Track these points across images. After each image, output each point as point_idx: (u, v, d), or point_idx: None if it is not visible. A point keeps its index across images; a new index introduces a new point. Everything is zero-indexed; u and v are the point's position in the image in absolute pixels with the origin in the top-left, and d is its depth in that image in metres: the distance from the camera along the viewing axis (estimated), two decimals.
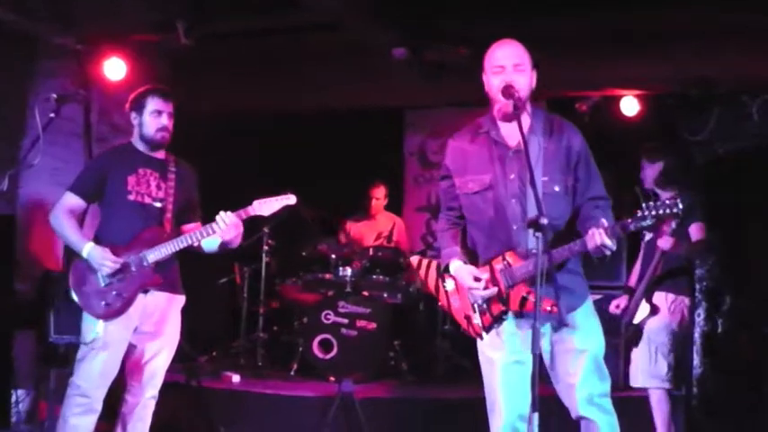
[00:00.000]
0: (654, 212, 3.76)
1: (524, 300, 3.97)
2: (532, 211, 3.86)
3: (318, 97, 9.03)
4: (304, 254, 8.31)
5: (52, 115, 4.84)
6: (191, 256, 5.12)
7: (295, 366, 7.67)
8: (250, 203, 4.88)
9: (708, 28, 6.43)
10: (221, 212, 4.80)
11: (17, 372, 6.21)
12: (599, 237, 3.78)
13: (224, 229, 4.80)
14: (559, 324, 3.87)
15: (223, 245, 4.98)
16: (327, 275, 8.09)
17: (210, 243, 4.97)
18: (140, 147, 5.06)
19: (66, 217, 4.93)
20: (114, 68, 7.19)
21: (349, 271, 7.95)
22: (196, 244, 4.91)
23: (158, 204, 4.98)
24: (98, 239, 4.92)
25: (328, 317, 7.66)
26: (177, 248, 4.87)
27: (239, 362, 8.08)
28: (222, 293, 8.97)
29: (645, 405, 6.09)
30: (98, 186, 4.97)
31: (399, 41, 6.93)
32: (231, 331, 8.70)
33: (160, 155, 5.10)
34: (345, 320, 7.64)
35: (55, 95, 4.86)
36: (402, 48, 6.93)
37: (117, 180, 4.94)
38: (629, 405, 6.35)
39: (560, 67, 6.59)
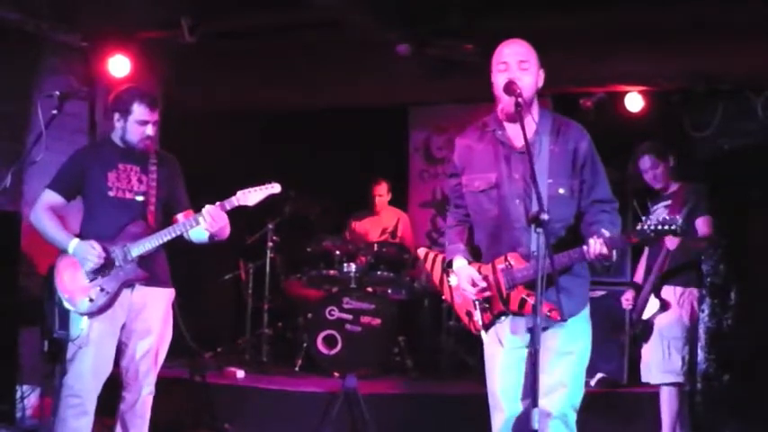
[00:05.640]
0: (654, 228, 3.78)
1: (523, 301, 3.97)
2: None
3: (322, 94, 9.05)
4: (309, 250, 8.30)
5: (54, 112, 4.81)
6: (195, 252, 5.11)
7: (299, 362, 7.68)
8: (233, 194, 4.81)
9: (712, 24, 6.42)
10: (207, 206, 4.73)
11: (22, 368, 6.21)
12: (598, 246, 3.79)
13: (209, 222, 4.73)
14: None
15: (212, 237, 4.88)
16: (332, 271, 8.10)
17: (199, 234, 4.90)
18: (120, 144, 5.00)
19: (47, 214, 4.89)
20: (119, 66, 7.19)
21: (353, 267, 7.96)
22: (186, 235, 4.86)
23: (140, 198, 4.92)
24: (83, 235, 4.87)
25: (333, 313, 7.67)
26: (161, 241, 4.81)
27: (244, 358, 8.10)
28: (227, 290, 8.97)
29: (647, 402, 6.08)
30: (77, 183, 4.94)
31: (403, 38, 6.92)
32: (236, 327, 8.72)
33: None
34: (350, 316, 7.65)
35: (58, 92, 4.85)
36: (406, 44, 6.92)
37: (96, 177, 4.89)
38: (632, 402, 6.36)
39: (565, 63, 6.59)
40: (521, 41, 4.07)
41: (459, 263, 4.17)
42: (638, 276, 6.30)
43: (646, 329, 6.01)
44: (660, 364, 5.95)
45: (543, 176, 3.94)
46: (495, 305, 4.07)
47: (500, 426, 4.10)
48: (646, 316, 5.99)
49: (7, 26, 6.66)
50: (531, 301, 3.88)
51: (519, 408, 4.04)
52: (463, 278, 4.10)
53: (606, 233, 3.82)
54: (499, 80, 3.98)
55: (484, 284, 4.04)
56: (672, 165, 6.10)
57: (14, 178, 4.80)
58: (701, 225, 5.96)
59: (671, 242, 5.81)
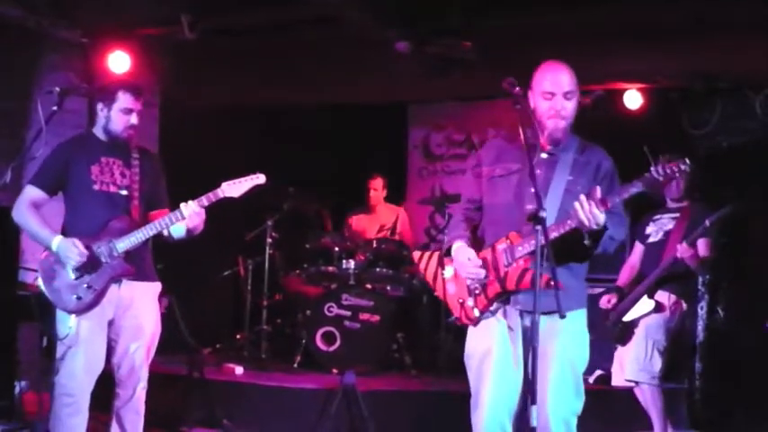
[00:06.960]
0: (662, 171, 3.76)
1: (522, 275, 3.95)
2: (552, 203, 3.96)
3: (322, 92, 9.05)
4: (308, 246, 8.29)
5: (55, 108, 4.81)
6: (194, 248, 5.11)
7: (298, 359, 7.68)
8: (218, 186, 4.77)
9: (712, 22, 6.43)
10: (184, 202, 4.71)
11: (21, 363, 6.22)
12: (584, 203, 3.75)
13: (188, 216, 4.69)
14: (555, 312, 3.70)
15: (188, 231, 4.84)
16: (331, 268, 8.09)
17: (179, 230, 4.86)
18: (102, 137, 4.97)
19: (29, 211, 4.83)
20: (118, 62, 7.21)
21: (352, 264, 7.95)
22: (165, 231, 4.82)
23: (124, 192, 4.89)
24: (66, 231, 4.84)
25: (331, 309, 7.67)
26: (147, 236, 4.77)
27: (243, 354, 8.10)
28: (226, 286, 8.98)
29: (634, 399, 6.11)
30: (59, 178, 4.89)
31: (402, 36, 6.93)
32: (235, 324, 8.72)
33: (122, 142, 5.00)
34: (348, 313, 7.65)
35: (58, 89, 4.85)
36: (405, 42, 6.93)
37: (80, 170, 4.86)
38: (630, 399, 6.37)
39: (564, 61, 6.60)
40: (564, 69, 4.13)
41: (458, 245, 4.19)
42: (623, 281, 6.28)
43: (625, 332, 6.02)
44: (640, 361, 5.93)
45: (564, 174, 4.05)
46: (491, 287, 4.06)
47: (483, 425, 4.05)
48: (632, 317, 6.00)
49: (8, 23, 6.67)
50: (531, 272, 3.85)
51: (507, 407, 4.01)
52: (461, 256, 4.12)
53: (598, 193, 3.78)
54: (543, 107, 4.07)
55: (479, 261, 4.06)
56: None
57: (14, 174, 4.81)
58: (701, 247, 5.96)
59: (684, 252, 5.80)
